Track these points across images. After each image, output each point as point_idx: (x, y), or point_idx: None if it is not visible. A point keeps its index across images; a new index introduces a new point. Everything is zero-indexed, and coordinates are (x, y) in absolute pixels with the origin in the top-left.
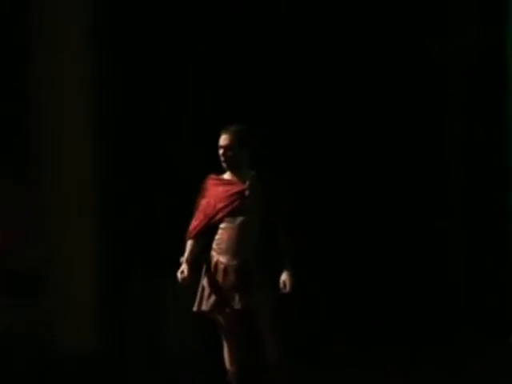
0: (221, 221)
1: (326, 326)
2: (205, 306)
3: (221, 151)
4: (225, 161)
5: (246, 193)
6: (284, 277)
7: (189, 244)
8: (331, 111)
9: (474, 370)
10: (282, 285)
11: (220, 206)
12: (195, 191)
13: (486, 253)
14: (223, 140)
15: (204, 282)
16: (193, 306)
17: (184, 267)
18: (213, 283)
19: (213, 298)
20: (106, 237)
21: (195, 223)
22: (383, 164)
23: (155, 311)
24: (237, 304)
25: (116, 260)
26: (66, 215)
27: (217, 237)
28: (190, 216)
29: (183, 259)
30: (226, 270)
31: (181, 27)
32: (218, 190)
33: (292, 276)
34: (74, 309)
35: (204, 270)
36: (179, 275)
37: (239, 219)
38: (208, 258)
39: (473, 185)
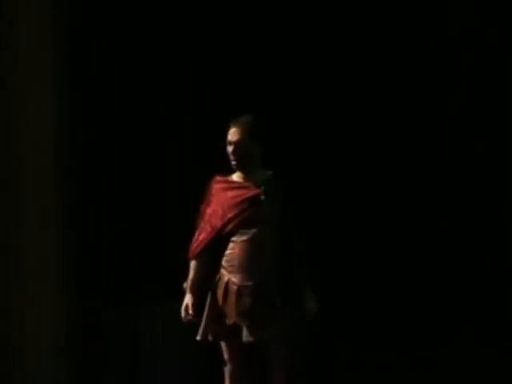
0: (232, 233)
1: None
2: (211, 334)
3: (230, 148)
4: (235, 160)
5: (262, 198)
6: (307, 302)
7: (193, 266)
8: (330, 112)
9: (475, 371)
10: (308, 310)
11: (230, 215)
12: (183, 200)
13: (485, 253)
14: (233, 135)
15: (212, 305)
16: (181, 338)
17: (188, 300)
18: (223, 307)
19: (222, 324)
20: (74, 259)
21: (201, 237)
22: (382, 164)
23: (133, 347)
24: (252, 334)
25: (86, 288)
26: (28, 231)
27: (227, 252)
28: (177, 230)
29: (186, 286)
30: (239, 291)
31: (180, 26)
32: (227, 195)
33: (314, 300)
34: (36, 346)
35: (211, 290)
36: (183, 313)
37: (253, 230)
38: (216, 277)
39: (473, 185)
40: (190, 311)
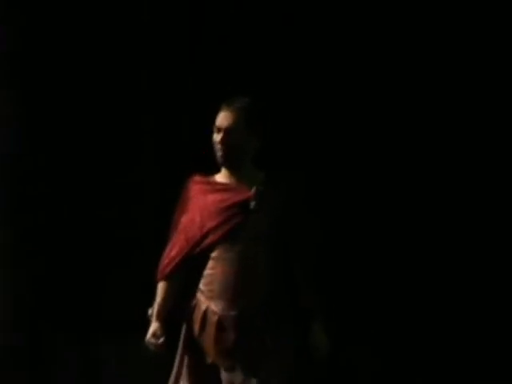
0: (212, 248)
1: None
2: (186, 379)
3: (219, 137)
4: (223, 151)
5: (252, 205)
6: (315, 340)
7: (161, 289)
8: (331, 112)
9: (474, 370)
10: (313, 351)
11: (210, 225)
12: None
13: (485, 253)
14: (224, 119)
15: (186, 339)
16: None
17: (155, 328)
18: (199, 345)
19: (198, 369)
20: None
21: (173, 253)
22: (382, 165)
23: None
24: (233, 380)
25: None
26: None
27: (206, 272)
28: (143, 250)
29: (152, 313)
30: (220, 323)
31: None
32: (207, 199)
33: (324, 338)
34: None
35: (186, 321)
36: (151, 341)
37: (240, 246)
38: (191, 305)
39: (473, 184)
40: (159, 336)
